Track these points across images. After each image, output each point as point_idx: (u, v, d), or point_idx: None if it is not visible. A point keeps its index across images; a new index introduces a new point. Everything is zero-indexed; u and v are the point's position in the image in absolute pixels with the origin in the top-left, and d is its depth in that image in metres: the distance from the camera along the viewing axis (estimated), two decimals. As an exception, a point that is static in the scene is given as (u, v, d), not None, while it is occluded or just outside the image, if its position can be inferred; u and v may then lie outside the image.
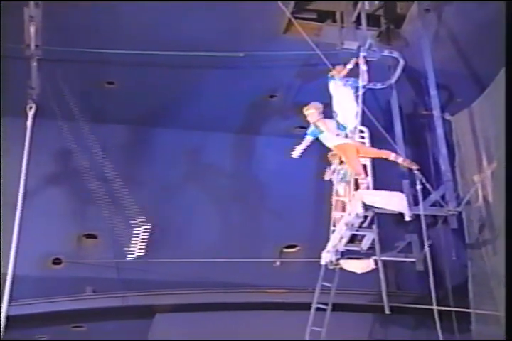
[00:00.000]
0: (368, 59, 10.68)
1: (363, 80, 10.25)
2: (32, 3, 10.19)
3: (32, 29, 10.19)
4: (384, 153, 9.94)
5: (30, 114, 10.50)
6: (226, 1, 10.76)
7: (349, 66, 10.39)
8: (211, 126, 13.50)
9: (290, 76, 12.37)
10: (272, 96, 12.85)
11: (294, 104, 12.18)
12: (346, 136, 10.14)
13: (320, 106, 10.26)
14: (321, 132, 10.07)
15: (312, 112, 10.17)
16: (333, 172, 10.38)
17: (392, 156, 9.89)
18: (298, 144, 10.61)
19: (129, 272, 12.81)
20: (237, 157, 14.26)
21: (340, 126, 10.06)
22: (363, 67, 10.25)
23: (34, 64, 10.47)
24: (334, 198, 10.17)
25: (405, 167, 10.17)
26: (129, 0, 10.74)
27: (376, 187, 9.70)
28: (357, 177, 9.78)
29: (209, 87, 11.99)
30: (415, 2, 11.30)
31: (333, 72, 10.48)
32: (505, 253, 7.95)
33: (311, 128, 10.22)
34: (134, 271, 12.80)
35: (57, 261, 12.82)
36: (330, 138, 9.96)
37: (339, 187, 10.19)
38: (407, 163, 10.03)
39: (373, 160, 9.88)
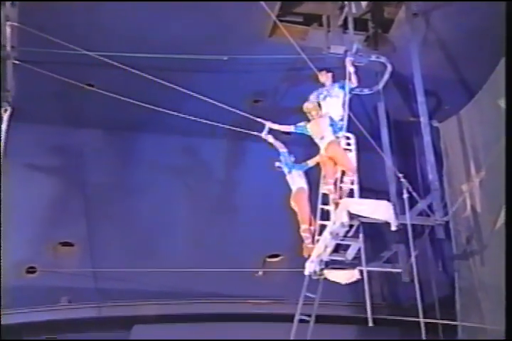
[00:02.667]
0: (355, 64, 10.64)
1: (352, 83, 10.23)
2: (8, 2, 10.10)
3: (8, 29, 10.10)
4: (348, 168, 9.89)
5: (5, 117, 10.40)
6: (210, 0, 10.72)
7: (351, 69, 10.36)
8: (195, 131, 13.46)
9: (275, 80, 12.40)
10: (256, 101, 12.86)
11: (280, 109, 12.22)
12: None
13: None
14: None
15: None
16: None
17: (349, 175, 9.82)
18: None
19: (107, 281, 12.75)
20: (221, 164, 14.38)
21: (336, 128, 10.03)
22: (350, 69, 10.24)
23: (10, 65, 10.37)
24: (319, 206, 10.13)
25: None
26: (110, 0, 10.70)
27: (362, 196, 9.67)
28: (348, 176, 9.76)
29: (192, 91, 11.91)
30: (403, 7, 11.33)
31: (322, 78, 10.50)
32: (506, 253, 7.96)
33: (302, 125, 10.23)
34: (111, 280, 12.72)
35: (31, 270, 12.73)
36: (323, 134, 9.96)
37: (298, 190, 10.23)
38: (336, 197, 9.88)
39: (359, 167, 9.86)
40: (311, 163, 10.44)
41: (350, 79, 10.27)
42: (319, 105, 10.37)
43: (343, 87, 10.30)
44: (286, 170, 10.56)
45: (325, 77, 10.52)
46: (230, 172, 14.30)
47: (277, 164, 10.61)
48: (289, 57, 11.09)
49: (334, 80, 10.46)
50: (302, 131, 10.32)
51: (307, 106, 10.27)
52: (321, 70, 10.50)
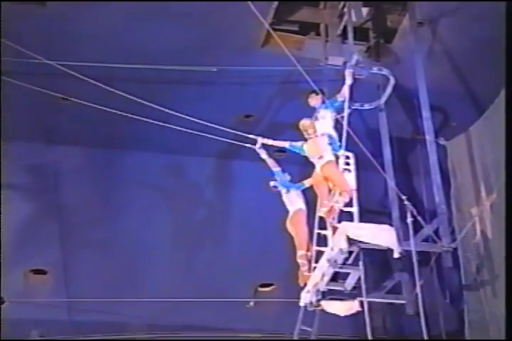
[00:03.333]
0: (355, 77, 10.59)
1: (340, 96, 10.15)
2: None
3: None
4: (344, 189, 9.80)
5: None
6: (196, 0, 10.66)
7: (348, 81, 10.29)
8: (181, 149, 13.48)
9: (268, 94, 12.38)
10: (248, 116, 12.82)
11: (273, 125, 12.14)
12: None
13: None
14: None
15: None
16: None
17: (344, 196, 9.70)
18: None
19: (82, 313, 12.62)
20: (209, 184, 14.36)
21: (336, 146, 9.95)
22: (347, 82, 10.17)
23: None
24: (316, 231, 9.98)
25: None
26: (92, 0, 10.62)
27: (362, 220, 9.56)
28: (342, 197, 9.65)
29: (178, 105, 11.84)
30: (407, 15, 11.33)
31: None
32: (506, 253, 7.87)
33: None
34: (87, 311, 12.60)
35: (-1, 301, 12.57)
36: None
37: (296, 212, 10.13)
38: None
39: (358, 188, 9.76)
40: (307, 183, 10.32)
41: (340, 91, 10.21)
42: None
43: (327, 107, 10.20)
44: (283, 189, 10.42)
45: (314, 100, 10.38)
46: (218, 194, 14.31)
47: (272, 183, 10.47)
48: (283, 69, 11.00)
49: (324, 101, 10.34)
50: (297, 150, 10.22)
51: (303, 123, 10.14)
52: (311, 92, 10.36)
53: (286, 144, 10.33)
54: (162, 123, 10.62)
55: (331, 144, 9.92)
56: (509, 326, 7.66)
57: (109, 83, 10.76)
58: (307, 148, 10.09)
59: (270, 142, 10.40)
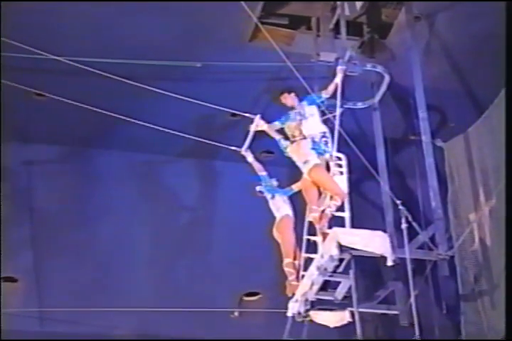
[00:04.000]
0: (348, 74, 10.59)
1: (326, 92, 10.12)
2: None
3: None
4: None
5: None
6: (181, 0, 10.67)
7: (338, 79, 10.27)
8: (161, 149, 13.43)
9: (256, 91, 12.35)
10: (234, 115, 12.79)
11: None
12: None
13: None
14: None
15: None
16: None
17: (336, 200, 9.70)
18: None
19: (55, 324, 12.55)
20: (191, 187, 14.39)
21: (320, 150, 9.95)
22: (337, 79, 10.17)
23: None
24: (305, 237, 10.00)
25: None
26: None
27: (354, 225, 9.58)
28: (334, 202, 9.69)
29: (159, 103, 11.85)
30: (403, 8, 11.35)
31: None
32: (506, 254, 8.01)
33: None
34: (61, 322, 12.52)
35: (-35, 310, 12.49)
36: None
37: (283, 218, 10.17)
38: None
39: (351, 192, 9.79)
40: (296, 187, 10.35)
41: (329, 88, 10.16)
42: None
43: (311, 103, 10.17)
44: (268, 195, 10.46)
45: (289, 100, 10.29)
46: (201, 197, 14.34)
47: (258, 188, 10.51)
48: (271, 65, 11.10)
49: (300, 99, 10.28)
50: (282, 149, 10.21)
51: (289, 125, 10.16)
52: (281, 92, 10.32)
53: (277, 124, 10.23)
54: (144, 123, 10.59)
55: (313, 149, 9.91)
56: (509, 329, 7.75)
57: (86, 78, 10.82)
58: (292, 152, 10.09)
59: (265, 127, 10.30)
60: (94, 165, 13.86)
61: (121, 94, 11.53)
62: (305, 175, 9.88)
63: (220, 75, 11.69)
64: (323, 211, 9.66)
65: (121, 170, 13.71)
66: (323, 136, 9.94)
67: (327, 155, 9.87)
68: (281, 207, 10.33)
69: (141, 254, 13.79)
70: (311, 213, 9.80)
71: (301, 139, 9.99)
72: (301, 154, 9.93)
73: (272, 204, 10.44)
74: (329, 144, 9.87)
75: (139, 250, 13.75)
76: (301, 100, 10.20)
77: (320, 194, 9.84)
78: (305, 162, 9.86)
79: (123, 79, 10.46)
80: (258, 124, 10.24)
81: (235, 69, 11.47)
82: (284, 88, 10.26)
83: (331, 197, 9.67)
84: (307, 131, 10.04)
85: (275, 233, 10.28)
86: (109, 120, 12.65)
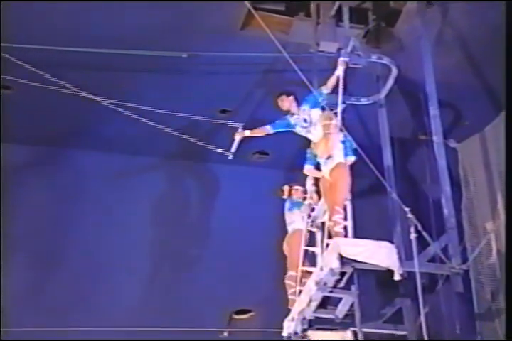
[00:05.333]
0: (351, 66, 10.59)
1: (326, 87, 10.05)
2: None
3: None
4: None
5: None
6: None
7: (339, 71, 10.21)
8: (141, 149, 13.48)
9: (248, 85, 12.35)
10: (223, 111, 12.82)
11: (253, 122, 12.06)
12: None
13: None
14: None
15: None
16: (312, 210, 10.34)
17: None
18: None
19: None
20: (175, 191, 14.42)
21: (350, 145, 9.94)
22: (339, 71, 10.12)
23: None
24: (302, 248, 10.02)
25: None
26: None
27: (357, 235, 9.57)
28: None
29: (139, 97, 11.82)
30: (413, -6, 11.41)
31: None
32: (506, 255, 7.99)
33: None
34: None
35: None
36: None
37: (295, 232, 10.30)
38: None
39: (353, 198, 9.76)
40: (312, 199, 10.40)
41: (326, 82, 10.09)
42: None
43: (314, 105, 10.08)
44: (287, 205, 10.76)
45: (286, 103, 10.16)
46: (188, 205, 14.37)
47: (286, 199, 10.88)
48: (266, 56, 11.07)
49: (299, 102, 10.14)
50: (284, 127, 10.10)
51: (321, 122, 10.00)
52: (280, 94, 10.22)
53: (269, 129, 10.14)
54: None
55: (344, 142, 9.86)
56: (509, 326, 7.90)
57: (62, 71, 10.79)
58: (316, 144, 9.99)
59: (247, 133, 10.25)
60: (69, 167, 13.83)
61: (98, 86, 11.50)
62: (325, 175, 9.78)
63: (209, 67, 11.69)
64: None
65: (98, 172, 13.75)
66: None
67: (351, 158, 9.84)
68: (296, 221, 10.59)
69: (123, 268, 13.76)
70: (333, 215, 9.65)
71: (329, 133, 9.89)
72: (327, 147, 9.81)
73: (287, 216, 10.69)
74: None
75: (119, 263, 13.71)
76: (299, 103, 10.11)
77: None
78: (328, 157, 9.75)
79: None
80: (240, 135, 10.21)
81: (225, 60, 11.46)
82: (282, 90, 10.21)
83: (331, 211, 9.59)
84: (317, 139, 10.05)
85: (285, 246, 10.51)
86: (87, 117, 12.72)
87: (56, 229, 13.51)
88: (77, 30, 11.15)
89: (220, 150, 10.39)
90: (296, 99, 10.09)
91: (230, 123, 10.34)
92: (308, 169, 10.13)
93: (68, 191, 13.76)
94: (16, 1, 10.63)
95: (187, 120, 11.33)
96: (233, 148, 10.21)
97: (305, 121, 9.97)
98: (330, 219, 9.54)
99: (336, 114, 10.17)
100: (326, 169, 9.73)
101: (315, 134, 9.98)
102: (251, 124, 10.80)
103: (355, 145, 9.77)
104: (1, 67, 10.53)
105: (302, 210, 10.54)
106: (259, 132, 10.19)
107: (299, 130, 10.03)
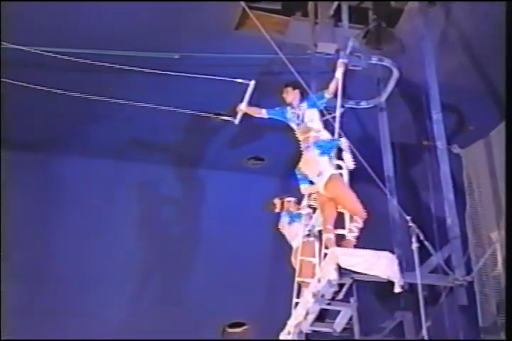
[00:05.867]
0: (350, 68, 10.60)
1: (329, 92, 9.97)
2: None
3: None
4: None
5: None
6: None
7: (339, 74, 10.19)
8: (132, 155, 13.45)
9: (243, 87, 12.29)
10: (217, 115, 12.74)
11: (248, 127, 12.07)
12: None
13: None
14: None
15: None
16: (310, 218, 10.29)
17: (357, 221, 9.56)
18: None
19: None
20: (164, 198, 14.45)
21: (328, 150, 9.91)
22: (338, 74, 10.11)
23: None
24: (298, 258, 10.00)
25: None
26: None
27: (356, 245, 9.52)
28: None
29: (128, 100, 11.81)
30: (416, -8, 11.41)
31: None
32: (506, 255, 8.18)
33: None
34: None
35: None
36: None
37: (306, 243, 10.09)
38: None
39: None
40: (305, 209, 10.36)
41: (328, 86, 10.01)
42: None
43: (312, 105, 10.09)
44: (286, 219, 10.50)
45: (291, 96, 10.12)
46: (179, 211, 14.40)
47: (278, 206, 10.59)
48: (261, 57, 11.06)
49: (303, 98, 10.09)
50: (280, 117, 10.06)
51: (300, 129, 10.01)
52: (286, 85, 10.16)
53: (263, 113, 10.12)
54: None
55: (323, 154, 9.80)
56: (509, 325, 7.98)
57: (47, 73, 10.77)
58: (301, 165, 9.97)
59: (245, 108, 10.19)
60: (53, 172, 13.88)
61: (87, 90, 11.48)
62: (320, 190, 9.74)
63: (202, 68, 11.60)
64: (342, 235, 9.55)
65: (84, 178, 13.84)
66: None
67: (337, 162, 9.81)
68: (299, 234, 10.36)
69: (109, 277, 13.80)
70: (325, 233, 9.65)
71: (306, 147, 9.86)
72: (312, 166, 9.80)
73: (287, 229, 10.58)
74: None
75: (107, 274, 13.76)
76: (301, 100, 10.07)
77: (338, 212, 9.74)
78: (319, 174, 9.73)
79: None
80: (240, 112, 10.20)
81: (218, 61, 11.39)
82: (288, 82, 10.09)
83: (351, 218, 9.58)
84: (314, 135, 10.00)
85: (293, 260, 10.39)
86: (71, 121, 12.69)
87: (40, 239, 13.54)
88: (63, 31, 11.14)
89: (224, 117, 10.38)
90: (301, 94, 10.06)
91: (239, 80, 10.30)
92: (304, 188, 10.04)
93: (52, 199, 13.81)
94: (16, 1, 10.62)
95: (180, 122, 11.42)
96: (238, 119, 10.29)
97: (297, 117, 9.94)
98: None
99: (334, 118, 10.18)
100: (320, 185, 9.65)
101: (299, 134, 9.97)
102: (247, 129, 10.84)
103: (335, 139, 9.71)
104: (0, 66, 10.47)
105: (304, 221, 10.46)
106: (253, 111, 10.18)
107: (292, 125, 10.04)
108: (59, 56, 10.22)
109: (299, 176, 10.02)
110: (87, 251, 13.75)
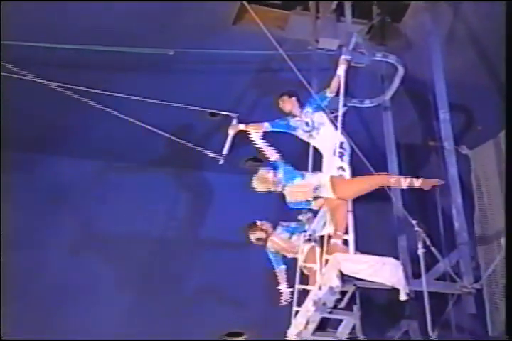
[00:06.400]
0: (353, 65, 10.59)
1: (331, 91, 9.96)
2: None
3: None
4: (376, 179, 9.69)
5: None
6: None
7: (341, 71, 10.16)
8: (122, 156, 13.54)
9: (240, 85, 12.31)
10: (213, 115, 12.73)
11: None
12: None
13: None
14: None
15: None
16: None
17: (392, 180, 9.64)
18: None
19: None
20: (163, 202, 14.42)
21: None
22: (340, 71, 10.10)
23: None
24: (300, 263, 9.95)
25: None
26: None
27: (359, 250, 9.51)
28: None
29: (120, 99, 11.76)
30: (422, -14, 11.41)
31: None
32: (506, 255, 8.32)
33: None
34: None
35: None
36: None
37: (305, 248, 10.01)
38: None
39: (354, 209, 9.71)
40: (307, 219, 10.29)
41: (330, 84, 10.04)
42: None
43: (317, 108, 10.07)
44: (285, 234, 10.38)
45: (288, 105, 10.19)
46: (175, 214, 14.36)
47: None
48: (260, 54, 11.01)
49: (301, 104, 10.17)
50: (284, 128, 10.11)
51: None
52: (281, 95, 10.23)
53: (266, 126, 10.11)
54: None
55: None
56: (509, 325, 8.12)
57: (38, 69, 10.71)
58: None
59: (242, 127, 10.18)
60: (47, 175, 13.85)
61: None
62: (329, 195, 9.70)
63: (197, 65, 11.63)
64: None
65: (69, 180, 13.83)
66: (340, 147, 9.84)
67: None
68: (301, 246, 10.17)
69: (100, 285, 13.86)
70: (334, 238, 9.57)
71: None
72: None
73: (288, 244, 10.28)
74: (345, 157, 9.79)
75: (96, 280, 13.81)
76: (302, 105, 10.12)
77: None
78: (317, 187, 9.68)
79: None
80: (234, 130, 10.20)
81: (215, 58, 11.38)
82: (284, 90, 10.18)
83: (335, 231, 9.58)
84: (321, 145, 10.02)
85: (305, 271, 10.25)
86: (65, 121, 12.67)
87: (26, 244, 13.49)
88: (51, 26, 11.09)
89: (210, 153, 10.25)
90: (298, 100, 10.11)
91: (224, 113, 10.33)
92: (315, 204, 10.01)
93: (45, 200, 13.80)
94: (15, 1, 10.63)
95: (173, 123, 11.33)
96: (225, 149, 10.18)
97: (307, 124, 10.01)
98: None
99: (336, 117, 10.17)
100: (326, 192, 9.58)
101: (318, 140, 10.01)
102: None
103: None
104: (1, 65, 10.46)
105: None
106: (255, 128, 10.11)
107: (300, 134, 10.07)
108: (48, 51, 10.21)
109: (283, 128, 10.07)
110: (72, 256, 13.76)
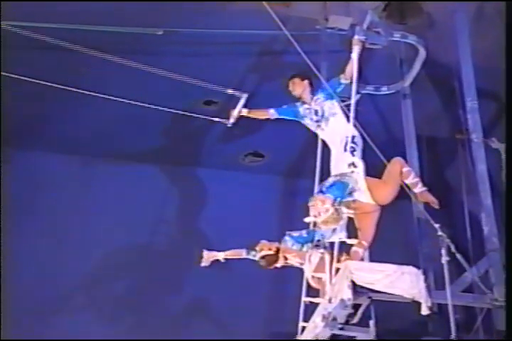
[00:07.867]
0: (368, 46, 10.54)
1: (346, 77, 9.98)
2: None
3: None
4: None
5: None
6: None
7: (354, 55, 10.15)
8: (105, 150, 13.68)
9: (240, 69, 12.32)
10: (208, 103, 12.79)
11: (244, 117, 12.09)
12: None
13: None
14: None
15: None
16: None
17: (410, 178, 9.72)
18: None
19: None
20: (154, 200, 14.52)
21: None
22: (354, 55, 10.05)
23: None
24: (307, 274, 9.98)
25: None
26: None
27: (374, 258, 9.47)
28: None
29: (104, 84, 11.74)
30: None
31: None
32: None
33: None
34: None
35: None
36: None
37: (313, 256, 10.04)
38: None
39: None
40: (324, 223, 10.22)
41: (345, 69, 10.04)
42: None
43: (329, 96, 10.05)
44: (297, 246, 10.24)
45: (299, 88, 10.26)
46: (166, 215, 14.51)
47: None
48: (262, 34, 11.07)
49: (313, 89, 10.22)
50: (291, 116, 10.19)
51: None
52: (292, 77, 10.28)
53: (271, 113, 10.24)
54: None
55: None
56: (509, 326, 8.29)
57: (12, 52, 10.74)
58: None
59: (247, 113, 10.30)
60: (23, 171, 13.96)
61: (53, 73, 11.44)
62: (368, 200, 9.68)
63: (190, 47, 11.62)
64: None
65: (57, 179, 13.94)
66: (352, 142, 9.83)
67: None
68: (312, 255, 10.16)
69: (84, 291, 14.08)
70: (356, 247, 9.64)
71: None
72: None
73: (300, 256, 10.16)
74: (356, 152, 9.80)
75: (78, 285, 14.01)
76: (313, 92, 10.15)
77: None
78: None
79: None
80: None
81: (211, 39, 11.50)
82: (297, 71, 10.21)
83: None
84: (330, 138, 10.02)
85: (312, 281, 10.25)
86: (31, 111, 12.67)
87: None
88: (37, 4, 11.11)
89: (216, 119, 10.35)
90: (311, 84, 10.13)
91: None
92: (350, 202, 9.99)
93: (20, 198, 13.87)
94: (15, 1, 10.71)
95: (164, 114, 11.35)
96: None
97: (316, 113, 10.04)
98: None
99: (348, 106, 10.14)
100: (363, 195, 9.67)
101: (327, 132, 10.03)
102: (243, 119, 10.77)
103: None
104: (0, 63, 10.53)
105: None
106: (259, 114, 10.32)
107: (308, 123, 10.13)
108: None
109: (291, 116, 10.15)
110: (56, 261, 13.88)
